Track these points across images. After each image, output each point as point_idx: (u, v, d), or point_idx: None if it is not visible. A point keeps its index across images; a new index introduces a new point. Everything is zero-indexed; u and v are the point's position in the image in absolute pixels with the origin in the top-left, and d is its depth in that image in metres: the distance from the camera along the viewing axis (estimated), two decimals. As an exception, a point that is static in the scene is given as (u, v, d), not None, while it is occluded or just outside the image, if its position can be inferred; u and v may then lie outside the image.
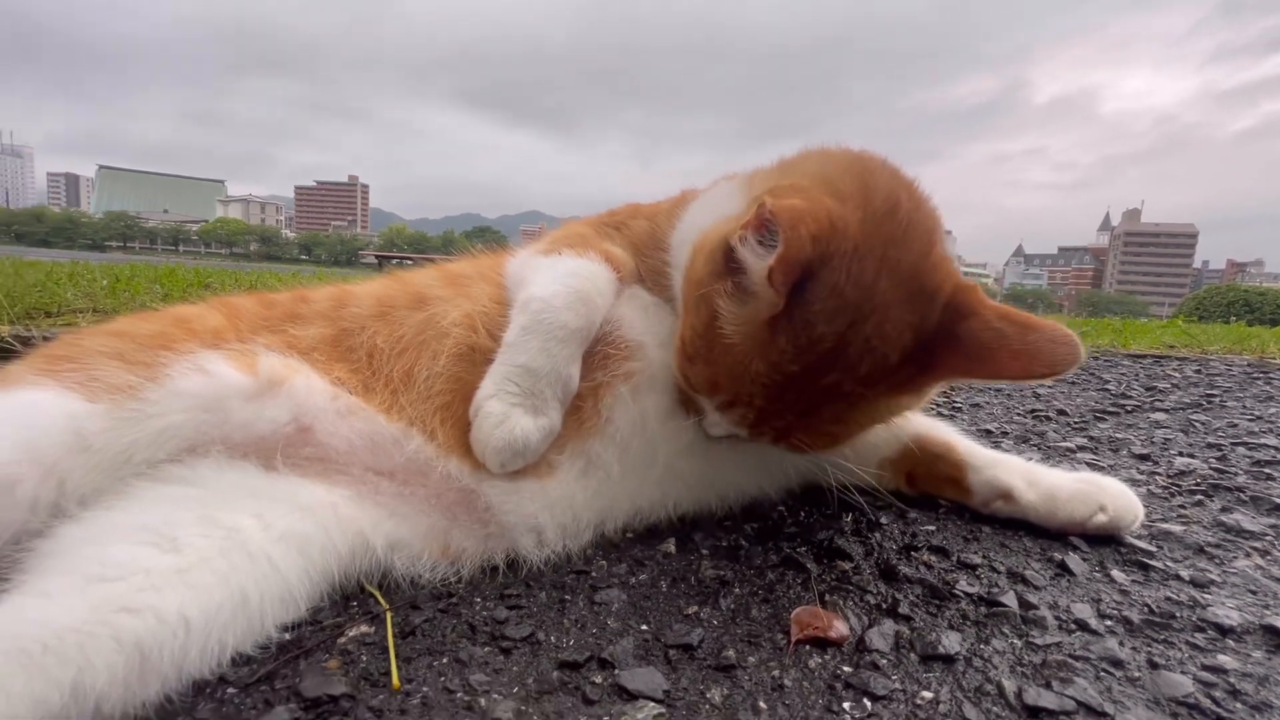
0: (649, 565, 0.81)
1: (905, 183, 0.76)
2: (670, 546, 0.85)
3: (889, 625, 0.68)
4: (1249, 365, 2.85)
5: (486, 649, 0.64)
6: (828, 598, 0.74)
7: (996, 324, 0.67)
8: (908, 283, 0.68)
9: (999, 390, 2.08)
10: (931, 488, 1.03)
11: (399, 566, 0.75)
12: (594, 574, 0.78)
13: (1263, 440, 1.44)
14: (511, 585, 0.75)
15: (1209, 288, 30.84)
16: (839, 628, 0.67)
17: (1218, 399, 1.98)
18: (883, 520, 0.96)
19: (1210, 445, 1.42)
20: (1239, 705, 0.57)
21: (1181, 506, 1.04)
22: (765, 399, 0.72)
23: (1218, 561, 0.85)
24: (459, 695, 0.57)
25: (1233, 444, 1.42)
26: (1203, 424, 1.63)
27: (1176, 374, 2.52)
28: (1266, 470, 1.23)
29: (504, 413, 0.77)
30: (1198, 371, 2.60)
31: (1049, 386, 2.13)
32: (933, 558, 0.84)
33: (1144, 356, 3.06)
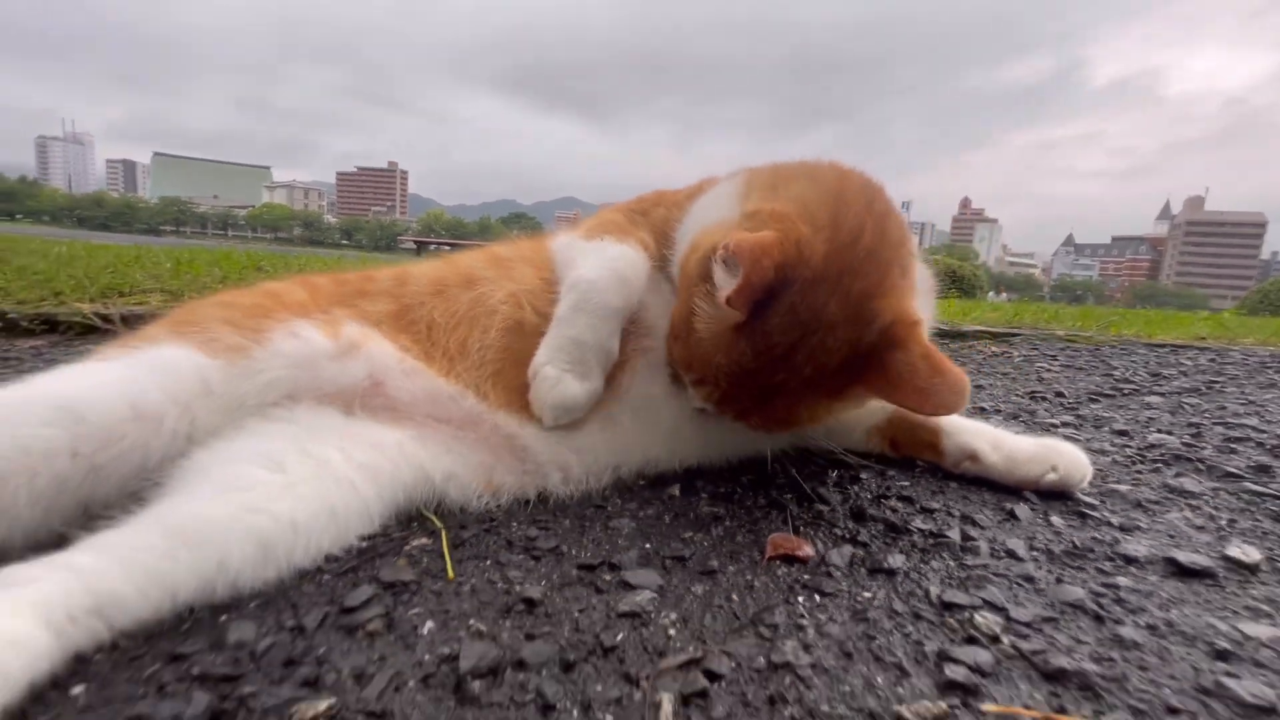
0: (655, 504, 0.97)
1: (877, 212, 0.88)
2: (675, 490, 1.01)
3: (848, 550, 0.83)
4: (1269, 356, 2.87)
5: (520, 556, 0.80)
6: (802, 530, 0.89)
7: (915, 361, 0.79)
8: (854, 307, 0.81)
9: (1005, 373, 2.18)
10: (912, 451, 1.17)
11: (451, 495, 0.92)
12: (609, 508, 0.94)
13: (1243, 421, 1.53)
14: (541, 514, 0.92)
15: (1275, 280, 28.94)
16: (806, 550, 0.82)
17: (1219, 385, 2.05)
18: (863, 476, 1.10)
19: (1190, 424, 1.51)
20: (1119, 609, 0.70)
21: (1139, 472, 1.16)
22: (727, 384, 0.87)
23: (1151, 514, 0.97)
24: (499, 584, 0.74)
25: (1213, 424, 1.52)
26: (1193, 406, 1.72)
27: (1189, 362, 2.57)
28: (1233, 445, 1.33)
29: (557, 377, 0.94)
30: (1211, 360, 2.65)
31: (1053, 370, 2.22)
32: (899, 504, 0.98)
33: (1162, 346, 3.09)
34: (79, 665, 0.57)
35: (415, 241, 21.80)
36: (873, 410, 1.16)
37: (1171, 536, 0.89)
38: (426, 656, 0.61)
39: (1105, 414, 1.61)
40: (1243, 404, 1.77)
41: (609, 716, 0.54)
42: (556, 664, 0.60)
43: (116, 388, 0.76)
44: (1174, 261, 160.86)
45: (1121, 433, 1.43)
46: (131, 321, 2.35)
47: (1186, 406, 1.72)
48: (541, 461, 0.97)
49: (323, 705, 0.54)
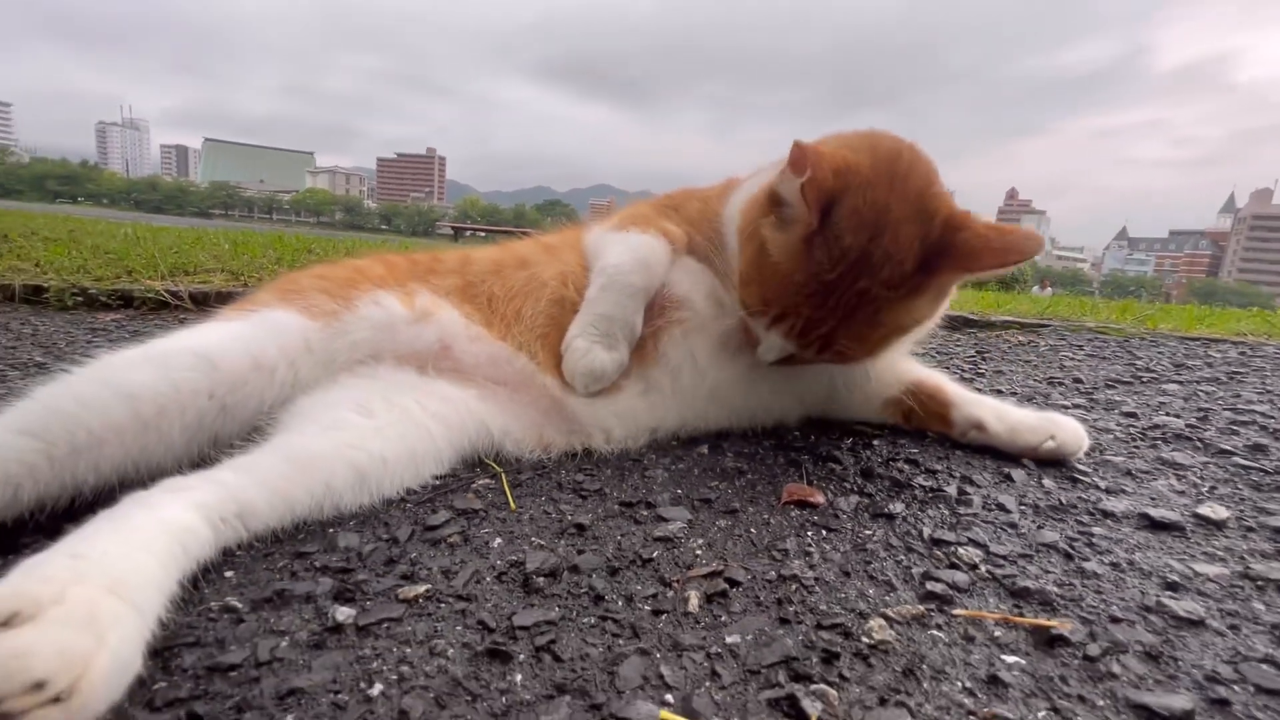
0: (686, 460, 1.09)
1: (907, 144, 1.01)
2: (704, 449, 1.14)
3: (854, 499, 0.95)
4: (1305, 350, 2.85)
5: (570, 495, 0.94)
6: (815, 482, 1.00)
7: (983, 232, 0.92)
8: (913, 206, 0.93)
9: (1027, 360, 2.24)
10: (923, 423, 1.27)
11: (508, 448, 1.06)
12: (645, 462, 1.08)
13: (1254, 408, 1.59)
14: (586, 464, 1.06)
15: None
16: (818, 498, 0.94)
17: (1240, 376, 2.09)
18: (875, 443, 1.21)
19: (1200, 409, 1.58)
20: (1088, 550, 0.81)
21: (1136, 447, 1.24)
22: (810, 307, 0.97)
23: (1138, 481, 1.06)
24: (553, 514, 0.88)
25: (1223, 409, 1.58)
26: (1207, 394, 1.77)
27: (1217, 355, 2.59)
28: (1236, 428, 1.40)
29: (587, 348, 1.07)
30: (1241, 354, 2.65)
31: (1076, 359, 2.27)
32: (905, 466, 1.09)
33: (1195, 339, 3.09)
34: (226, 557, 0.73)
35: (452, 227, 22.20)
36: (888, 383, 1.27)
37: (1152, 499, 0.98)
38: (498, 561, 0.75)
39: (1119, 399, 1.68)
40: (1259, 393, 1.81)
41: (647, 606, 0.67)
42: (604, 570, 0.73)
43: (240, 343, 0.92)
44: (1236, 257, 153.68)
45: (1130, 414, 1.50)
46: (199, 299, 2.56)
47: (1201, 394, 1.77)
48: (585, 423, 1.11)
49: (421, 589, 0.68)
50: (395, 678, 0.55)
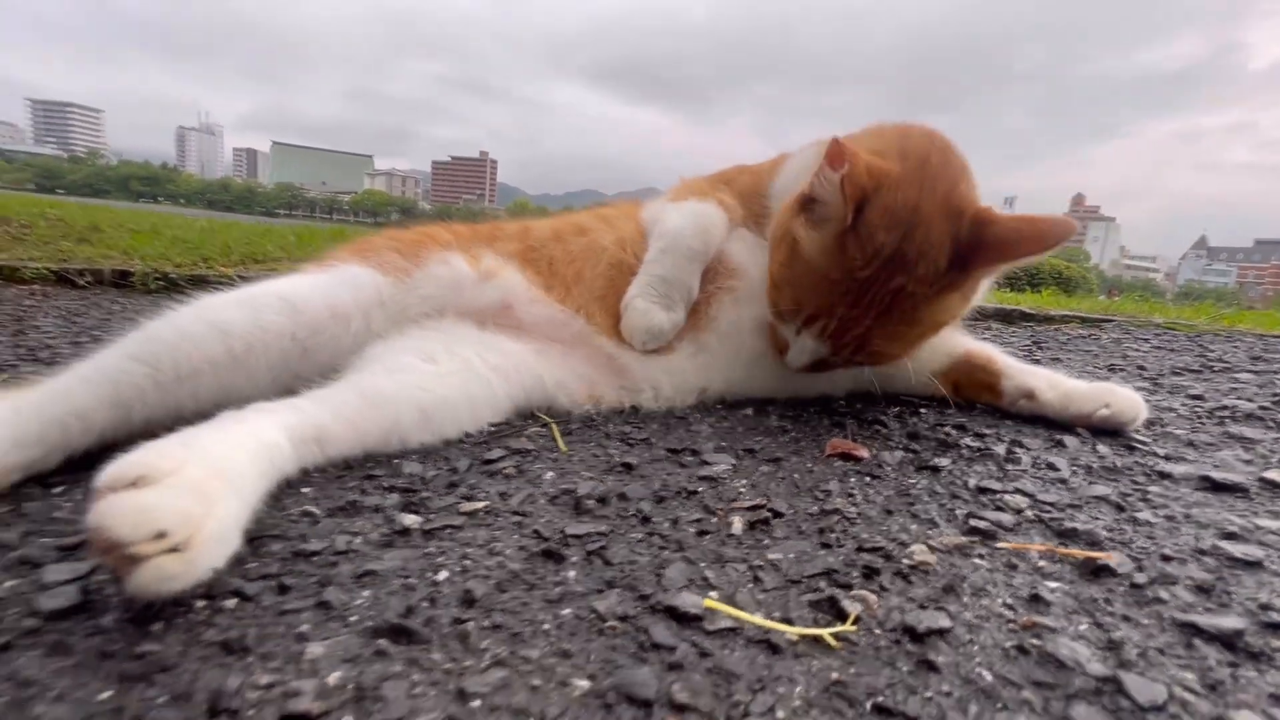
0: (730, 419, 1.12)
1: (939, 141, 1.02)
2: (749, 411, 1.16)
3: (900, 454, 0.95)
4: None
5: (617, 443, 0.98)
6: (860, 441, 1.01)
7: (1013, 224, 0.93)
8: (942, 203, 0.94)
9: (1088, 351, 2.17)
10: (972, 394, 1.26)
11: (560, 401, 1.11)
12: (690, 420, 1.10)
13: (1336, 394, 1.50)
14: (633, 419, 1.09)
15: None
16: (862, 452, 0.95)
17: (1325, 369, 1.97)
18: (922, 410, 1.21)
19: (1276, 395, 1.50)
20: (1142, 504, 0.79)
21: (1201, 423, 1.20)
22: (845, 305, 0.98)
23: (1201, 451, 1.03)
24: (600, 457, 0.92)
25: (1301, 395, 1.50)
26: (1286, 382, 1.68)
27: (1301, 351, 2.44)
28: (1314, 411, 1.33)
29: (646, 308, 1.11)
30: (1328, 350, 2.49)
31: (1140, 350, 2.19)
32: (953, 430, 1.09)
33: (1276, 336, 2.92)
34: (304, 476, 0.79)
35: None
36: (936, 357, 1.26)
37: (1215, 466, 0.95)
38: (550, 489, 0.79)
39: (1186, 384, 1.61)
40: (1345, 384, 1.71)
41: (691, 528, 0.70)
42: (651, 498, 0.77)
43: (321, 292, 0.99)
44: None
45: (1196, 397, 1.44)
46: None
47: (1277, 381, 1.68)
48: (637, 379, 1.14)
49: (480, 505, 0.73)
50: (459, 569, 0.60)
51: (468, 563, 0.61)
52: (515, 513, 0.72)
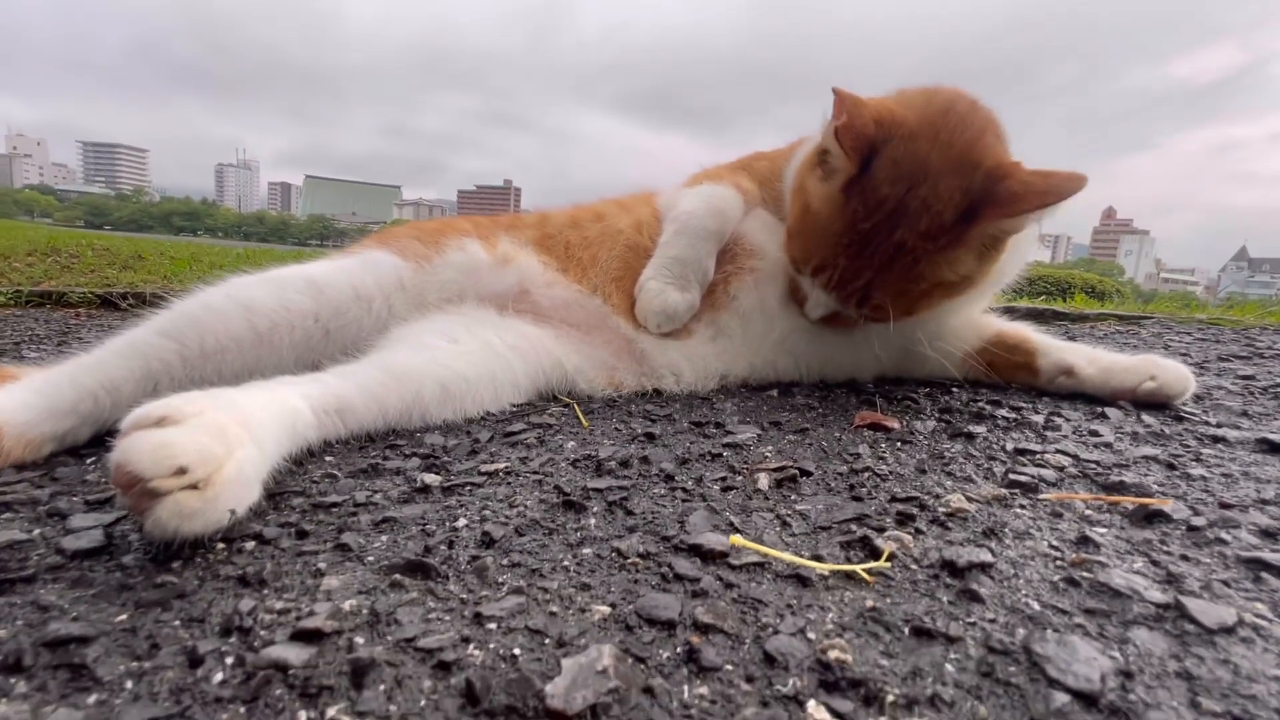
0: (755, 399, 1.10)
1: (967, 99, 0.99)
2: (774, 393, 1.13)
3: (932, 423, 0.92)
4: None
5: (640, 419, 0.96)
6: (890, 414, 0.98)
7: (1027, 178, 0.89)
8: (956, 158, 0.91)
9: (1127, 343, 2.10)
10: (1007, 373, 1.21)
11: (580, 385, 1.10)
12: (714, 400, 1.08)
13: (1400, 374, 1.42)
14: (656, 400, 1.08)
15: None
16: (893, 423, 0.92)
17: (1386, 355, 1.87)
18: (954, 389, 1.17)
19: (1333, 375, 1.43)
20: (1194, 463, 0.75)
21: (1255, 398, 1.14)
22: (846, 257, 0.97)
23: (1258, 420, 0.97)
24: (623, 430, 0.90)
25: (1362, 376, 1.42)
26: (1343, 366, 1.60)
27: (1357, 343, 2.33)
28: (1377, 386, 1.25)
29: (660, 289, 1.10)
30: (1387, 342, 2.37)
31: (1183, 342, 2.10)
32: (987, 405, 1.05)
33: (1329, 332, 2.79)
34: (326, 446, 0.79)
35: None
36: (968, 338, 1.23)
37: (1273, 433, 0.90)
38: (572, 455, 0.78)
39: (1232, 367, 1.54)
40: None
41: (716, 486, 0.68)
42: (674, 461, 0.75)
43: (344, 275, 1.01)
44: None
45: (1246, 377, 1.38)
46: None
47: (1335, 366, 1.60)
48: (656, 364, 1.13)
49: (501, 466, 0.72)
50: (478, 518, 0.59)
51: (487, 513, 0.60)
52: (536, 473, 0.71)
